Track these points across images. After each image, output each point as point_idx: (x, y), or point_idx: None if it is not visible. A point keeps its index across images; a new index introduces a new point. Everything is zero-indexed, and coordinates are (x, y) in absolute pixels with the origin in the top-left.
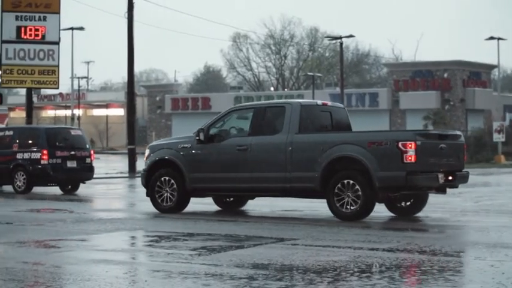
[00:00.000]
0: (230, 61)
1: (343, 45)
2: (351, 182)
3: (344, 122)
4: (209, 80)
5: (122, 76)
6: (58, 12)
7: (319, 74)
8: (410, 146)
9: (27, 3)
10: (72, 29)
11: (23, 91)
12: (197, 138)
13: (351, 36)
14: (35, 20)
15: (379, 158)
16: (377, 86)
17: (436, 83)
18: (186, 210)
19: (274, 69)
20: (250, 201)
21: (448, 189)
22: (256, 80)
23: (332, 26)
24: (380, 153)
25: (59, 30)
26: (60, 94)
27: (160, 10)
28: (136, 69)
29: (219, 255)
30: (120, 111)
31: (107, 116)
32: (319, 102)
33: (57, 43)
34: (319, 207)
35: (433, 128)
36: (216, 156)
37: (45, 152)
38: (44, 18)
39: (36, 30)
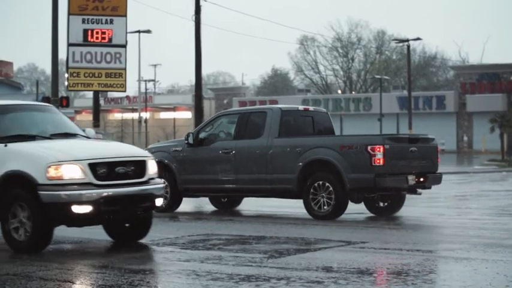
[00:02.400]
0: (297, 64)
1: (410, 48)
2: (325, 183)
3: (326, 126)
4: (277, 82)
5: (189, 79)
6: (125, 15)
7: (386, 77)
8: (378, 149)
9: (94, 6)
10: (139, 31)
11: (90, 94)
12: (186, 142)
13: (418, 39)
14: (101, 23)
15: (350, 161)
16: (444, 89)
17: (503, 86)
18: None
19: (341, 72)
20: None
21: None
22: (323, 82)
23: (399, 28)
24: (351, 156)
25: (126, 33)
26: (127, 97)
27: (228, 13)
28: (204, 72)
29: (288, 259)
30: (188, 114)
31: (174, 119)
32: (301, 107)
33: (124, 46)
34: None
35: (501, 131)
36: (204, 158)
37: None
38: (111, 21)
39: (103, 33)
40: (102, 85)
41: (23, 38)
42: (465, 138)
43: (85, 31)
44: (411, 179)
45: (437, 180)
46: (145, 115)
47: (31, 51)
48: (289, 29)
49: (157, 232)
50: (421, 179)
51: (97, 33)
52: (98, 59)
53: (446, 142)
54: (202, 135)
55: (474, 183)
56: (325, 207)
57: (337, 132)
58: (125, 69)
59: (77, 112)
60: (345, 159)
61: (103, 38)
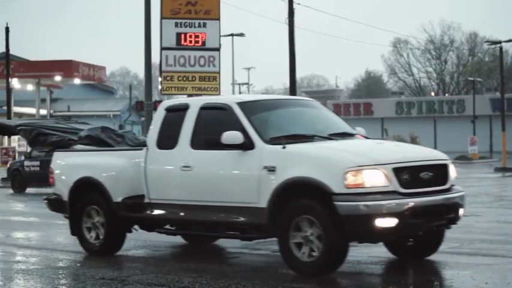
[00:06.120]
0: (391, 66)
1: (503, 50)
2: None
3: None
4: (370, 85)
5: (282, 82)
6: (218, 19)
7: (479, 79)
8: None
9: (187, 10)
10: (232, 35)
11: (183, 98)
12: None
13: (511, 40)
14: (194, 27)
15: None
16: None
17: None
18: None
19: (434, 74)
20: None
21: None
22: (417, 85)
23: (491, 30)
24: None
25: (219, 36)
26: None
27: (321, 16)
28: (298, 74)
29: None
30: None
31: None
32: None
33: (218, 49)
34: None
35: None
36: None
37: None
38: (204, 25)
39: (197, 36)
40: (196, 88)
41: (115, 42)
42: None
43: (178, 35)
44: None
45: None
46: None
47: (123, 55)
48: (382, 32)
49: None
50: None
51: (190, 36)
52: (192, 62)
53: None
54: None
55: None
56: None
57: (430, 135)
58: (218, 72)
59: None
60: None
61: (196, 42)
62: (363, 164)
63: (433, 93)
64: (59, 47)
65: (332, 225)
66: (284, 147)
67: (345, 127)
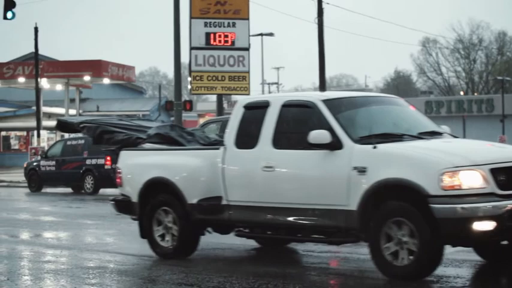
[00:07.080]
0: (420, 66)
1: None
2: None
3: None
4: (399, 84)
5: (312, 81)
6: (247, 18)
7: (508, 78)
8: None
9: (216, 9)
10: (261, 34)
11: (213, 97)
12: None
13: None
14: (224, 27)
15: None
16: None
17: None
18: None
19: (463, 74)
20: None
21: None
22: (446, 84)
23: None
24: None
25: (249, 36)
26: None
27: (350, 15)
28: (327, 74)
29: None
30: None
31: None
32: None
33: (247, 49)
34: None
35: None
36: None
37: (108, 158)
38: (233, 25)
39: (226, 36)
40: (226, 88)
41: (145, 42)
42: None
43: (207, 34)
44: None
45: None
46: None
47: (153, 55)
48: (411, 31)
49: None
50: None
51: (219, 36)
52: (221, 62)
53: None
54: None
55: None
56: None
57: (459, 135)
58: (248, 72)
59: (200, 116)
60: None
61: (226, 42)
62: (460, 165)
63: (462, 93)
64: (88, 47)
65: (427, 229)
66: (375, 147)
67: (432, 125)
